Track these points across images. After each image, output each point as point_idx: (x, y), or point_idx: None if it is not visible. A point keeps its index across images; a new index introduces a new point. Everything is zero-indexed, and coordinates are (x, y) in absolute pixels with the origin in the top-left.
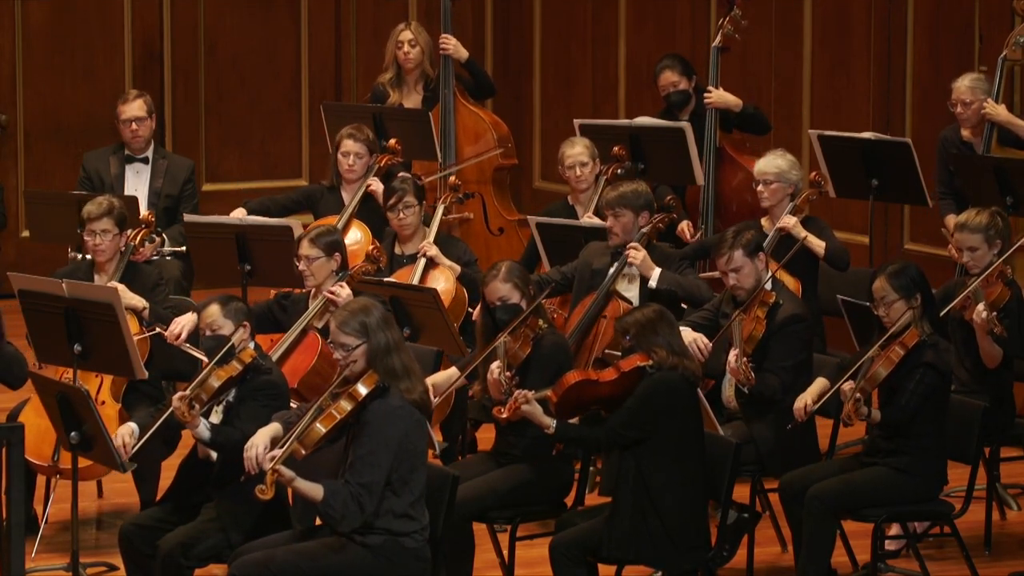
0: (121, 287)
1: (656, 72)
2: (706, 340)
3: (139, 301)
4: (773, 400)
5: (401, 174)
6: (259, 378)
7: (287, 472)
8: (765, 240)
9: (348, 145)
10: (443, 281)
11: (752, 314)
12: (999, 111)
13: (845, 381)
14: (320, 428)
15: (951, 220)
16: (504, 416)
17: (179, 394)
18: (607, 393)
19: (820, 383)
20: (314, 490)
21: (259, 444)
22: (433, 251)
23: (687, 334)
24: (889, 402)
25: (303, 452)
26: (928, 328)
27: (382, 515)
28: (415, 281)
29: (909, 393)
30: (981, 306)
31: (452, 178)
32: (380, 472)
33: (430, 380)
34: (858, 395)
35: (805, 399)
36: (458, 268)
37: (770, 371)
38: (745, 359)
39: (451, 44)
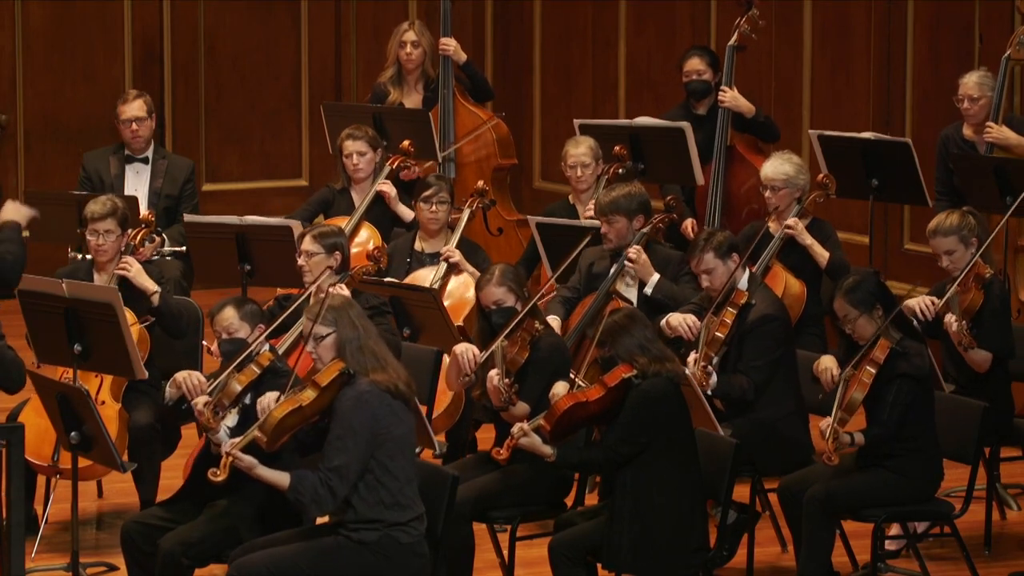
0: (137, 266)
1: (683, 58)
2: (694, 319)
3: (151, 284)
4: (744, 400)
5: (438, 174)
6: (276, 381)
7: (245, 458)
8: (771, 242)
9: (349, 146)
10: (464, 289)
11: (720, 316)
12: (1007, 135)
13: (823, 418)
14: (276, 415)
15: None
16: (503, 456)
17: (203, 399)
18: (598, 410)
19: (828, 357)
20: (279, 478)
21: (271, 398)
22: (456, 257)
23: (676, 316)
24: (871, 417)
25: (264, 439)
26: (897, 334)
27: (373, 506)
28: (435, 282)
29: (889, 407)
30: (950, 318)
31: (480, 182)
32: (350, 455)
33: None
34: (836, 426)
35: (831, 370)
36: (479, 274)
37: (741, 371)
38: (703, 363)
39: (451, 46)
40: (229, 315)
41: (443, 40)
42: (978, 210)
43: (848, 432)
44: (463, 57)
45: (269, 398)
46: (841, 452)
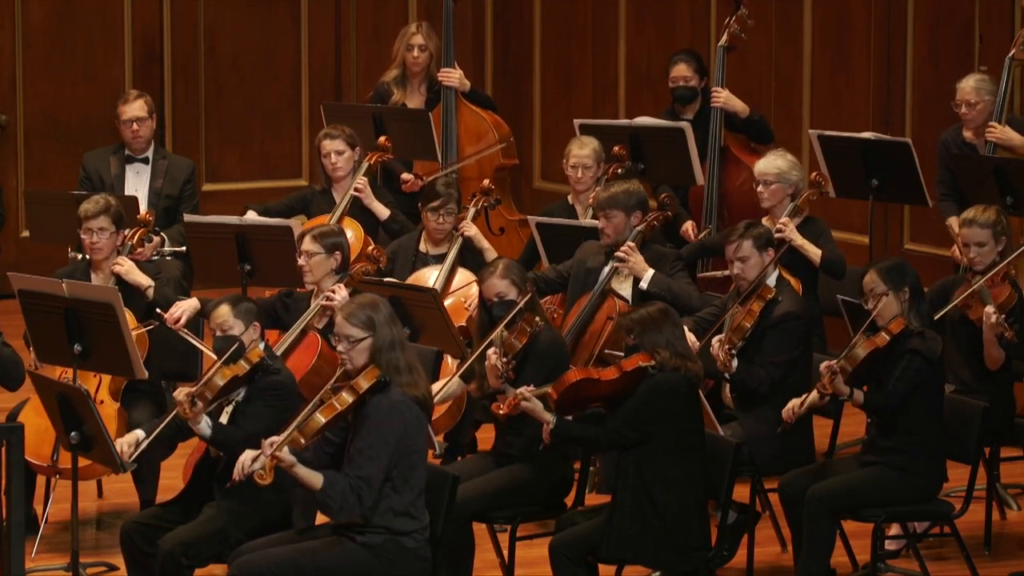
0: (129, 264)
1: (670, 63)
2: (693, 339)
3: (145, 279)
4: (759, 392)
5: (445, 179)
6: (267, 378)
7: (287, 457)
8: None
9: (327, 145)
10: (466, 289)
11: (748, 306)
12: (1010, 135)
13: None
14: (320, 418)
15: (954, 221)
16: (503, 412)
17: (184, 390)
18: (608, 392)
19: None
20: (313, 478)
21: (249, 455)
22: (472, 230)
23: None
24: (875, 387)
25: (302, 442)
26: (916, 321)
27: (382, 513)
28: (441, 278)
29: (895, 379)
30: (991, 309)
31: (486, 181)
32: (379, 465)
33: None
34: (835, 369)
35: (794, 403)
36: (494, 252)
37: (759, 364)
38: (727, 346)
39: (454, 77)
40: (223, 312)
41: (444, 70)
42: None
43: (850, 387)
44: (467, 86)
45: (260, 454)
46: (828, 390)
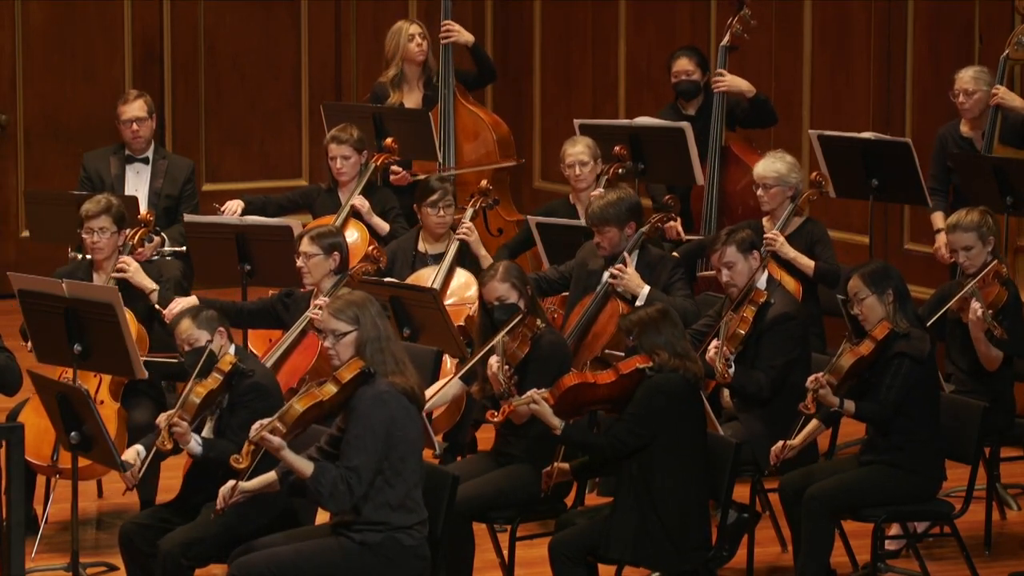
0: (135, 265)
1: (672, 58)
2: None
3: (149, 283)
4: (759, 396)
5: (440, 175)
6: (243, 383)
7: (274, 439)
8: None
9: (333, 149)
10: (465, 288)
11: (740, 313)
12: (1013, 97)
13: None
14: (297, 407)
15: (939, 217)
16: (497, 420)
17: (164, 416)
18: (605, 395)
19: (812, 425)
20: (304, 465)
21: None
22: (473, 236)
23: None
24: (868, 396)
25: (282, 430)
26: (903, 322)
27: (379, 508)
28: (439, 280)
29: (886, 387)
30: (976, 304)
31: (484, 182)
32: (368, 455)
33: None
34: (822, 380)
35: (776, 448)
36: (489, 260)
37: (759, 369)
38: (724, 355)
39: (455, 29)
40: (185, 326)
41: (446, 23)
42: None
43: (840, 398)
44: (470, 39)
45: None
46: (822, 408)
